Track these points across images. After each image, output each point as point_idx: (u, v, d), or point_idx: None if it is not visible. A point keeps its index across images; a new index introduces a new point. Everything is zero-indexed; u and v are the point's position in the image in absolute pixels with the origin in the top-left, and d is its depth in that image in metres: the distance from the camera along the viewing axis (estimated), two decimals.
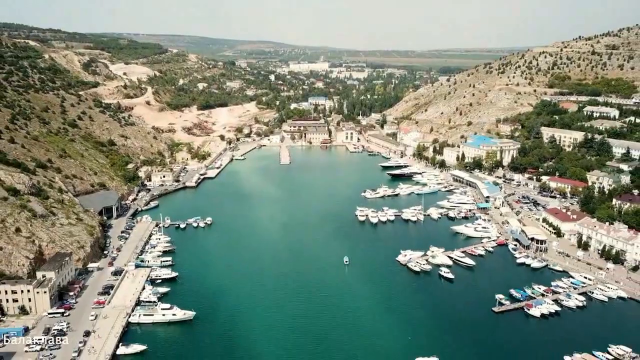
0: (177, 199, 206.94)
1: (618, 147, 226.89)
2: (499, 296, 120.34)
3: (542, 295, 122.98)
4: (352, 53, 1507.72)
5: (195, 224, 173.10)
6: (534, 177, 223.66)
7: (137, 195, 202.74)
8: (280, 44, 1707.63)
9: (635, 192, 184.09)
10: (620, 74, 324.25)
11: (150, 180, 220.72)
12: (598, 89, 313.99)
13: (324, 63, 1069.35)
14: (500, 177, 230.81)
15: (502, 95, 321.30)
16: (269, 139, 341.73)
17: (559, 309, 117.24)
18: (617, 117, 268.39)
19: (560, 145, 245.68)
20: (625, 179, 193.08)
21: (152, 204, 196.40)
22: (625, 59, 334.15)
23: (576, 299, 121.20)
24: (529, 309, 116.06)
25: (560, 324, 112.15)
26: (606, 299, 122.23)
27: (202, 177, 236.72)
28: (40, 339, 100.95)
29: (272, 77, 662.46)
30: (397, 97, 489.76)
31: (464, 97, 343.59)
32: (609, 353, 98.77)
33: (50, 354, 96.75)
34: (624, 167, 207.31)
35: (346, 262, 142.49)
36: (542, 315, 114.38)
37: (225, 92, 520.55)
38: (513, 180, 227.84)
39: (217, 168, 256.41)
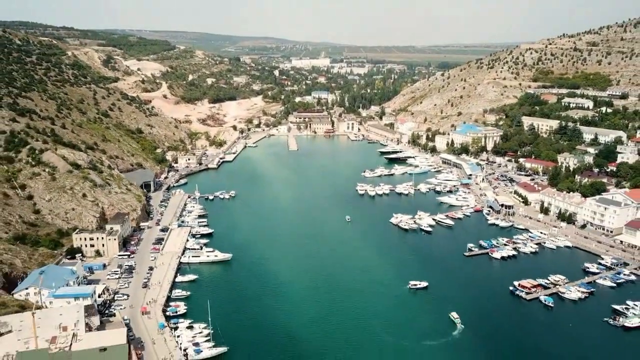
0: (202, 178, 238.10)
1: (588, 134, 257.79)
2: (469, 245, 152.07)
3: (505, 244, 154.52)
4: (352, 49, 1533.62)
5: (221, 196, 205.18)
6: (513, 159, 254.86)
7: (167, 174, 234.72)
8: (281, 40, 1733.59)
9: (596, 170, 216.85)
10: (598, 69, 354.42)
11: (177, 162, 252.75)
12: (577, 83, 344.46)
13: (326, 59, 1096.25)
14: (484, 160, 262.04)
15: (490, 88, 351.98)
16: (277, 129, 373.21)
17: (516, 253, 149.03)
18: (591, 107, 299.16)
19: (538, 132, 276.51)
20: (588, 159, 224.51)
21: (182, 181, 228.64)
22: (604, 55, 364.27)
23: (531, 247, 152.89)
24: (492, 254, 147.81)
25: (515, 263, 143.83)
26: (555, 247, 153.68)
27: (221, 160, 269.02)
28: (117, 271, 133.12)
29: (276, 73, 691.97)
30: (395, 91, 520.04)
31: (456, 90, 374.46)
32: (547, 279, 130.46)
33: (127, 280, 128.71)
34: (591, 150, 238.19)
35: (348, 219, 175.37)
36: (502, 257, 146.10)
37: (233, 86, 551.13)
38: (495, 162, 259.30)
39: (233, 153, 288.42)
